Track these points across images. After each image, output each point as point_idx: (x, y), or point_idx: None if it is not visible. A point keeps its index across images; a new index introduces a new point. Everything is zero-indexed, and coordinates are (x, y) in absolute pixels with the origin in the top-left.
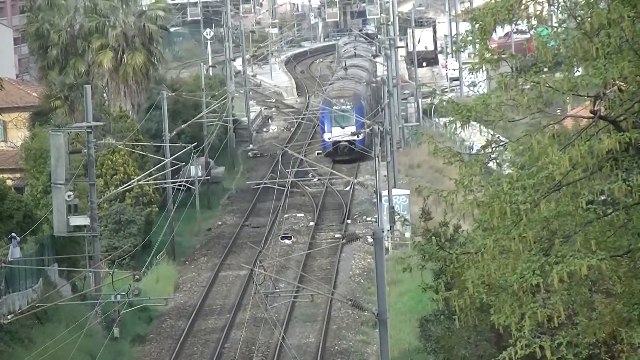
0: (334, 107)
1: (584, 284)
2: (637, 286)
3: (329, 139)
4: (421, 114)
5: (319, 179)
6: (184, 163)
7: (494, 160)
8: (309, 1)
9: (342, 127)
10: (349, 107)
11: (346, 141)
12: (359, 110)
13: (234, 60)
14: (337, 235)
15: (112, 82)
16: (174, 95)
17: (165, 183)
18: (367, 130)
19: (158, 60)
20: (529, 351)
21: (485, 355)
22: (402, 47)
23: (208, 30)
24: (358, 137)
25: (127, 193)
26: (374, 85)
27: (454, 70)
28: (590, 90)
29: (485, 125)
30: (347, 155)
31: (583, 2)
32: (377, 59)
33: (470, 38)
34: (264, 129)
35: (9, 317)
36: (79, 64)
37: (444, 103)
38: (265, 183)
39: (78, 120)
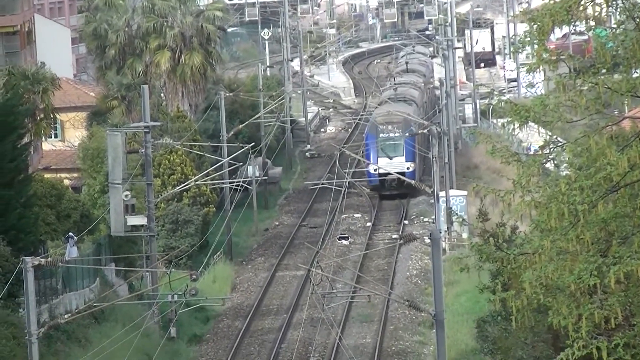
0: (381, 135)
1: None
2: None
3: (375, 171)
4: (479, 115)
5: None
6: (241, 163)
7: (552, 161)
8: (367, 2)
9: (390, 158)
10: (398, 134)
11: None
12: (409, 138)
13: (291, 60)
14: (394, 236)
15: (170, 82)
16: (231, 95)
17: (223, 183)
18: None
19: (216, 60)
20: (586, 352)
21: (542, 357)
22: (459, 48)
23: (266, 30)
24: (408, 169)
25: (185, 193)
26: (426, 103)
27: (512, 71)
28: None
29: (543, 126)
30: (395, 189)
31: None
32: (434, 60)
33: (528, 39)
34: (322, 130)
35: (66, 316)
36: (137, 64)
37: (502, 104)
38: (322, 183)
39: (135, 120)
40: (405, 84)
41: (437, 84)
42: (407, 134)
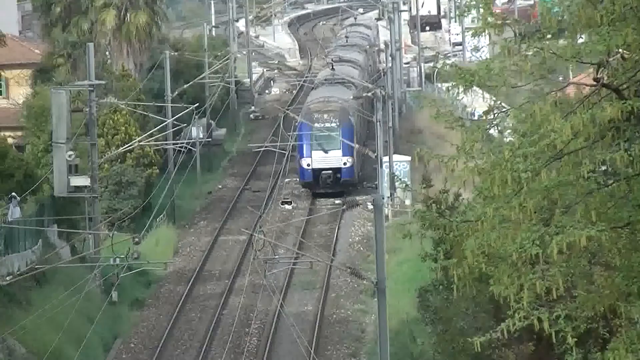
0: (316, 125)
1: (583, 256)
2: (636, 259)
3: (308, 165)
4: (424, 79)
5: None
6: (185, 124)
7: (496, 127)
8: None
9: (326, 152)
10: (334, 125)
11: (330, 169)
12: (347, 129)
13: (237, 21)
14: (337, 202)
15: (115, 41)
16: (176, 55)
17: (167, 144)
18: (360, 151)
19: (161, 19)
20: (527, 323)
21: (483, 327)
22: (405, 11)
23: None
24: (345, 165)
25: (128, 154)
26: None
27: (457, 35)
28: (593, 58)
29: (488, 91)
30: (330, 187)
31: None
32: (380, 23)
33: (474, 2)
34: (266, 91)
35: (7, 278)
36: (82, 22)
37: (447, 67)
38: (266, 146)
39: (80, 79)
40: (344, 62)
41: (382, 46)
42: (352, 98)
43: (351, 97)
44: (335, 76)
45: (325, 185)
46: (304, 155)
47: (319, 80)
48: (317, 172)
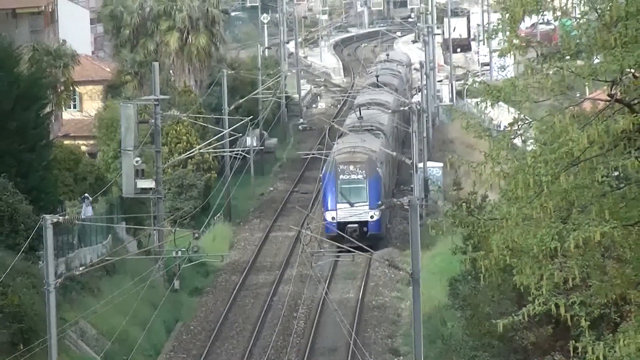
0: (341, 177)
1: (597, 250)
2: None
3: (333, 219)
4: (455, 95)
5: None
6: (240, 134)
7: (520, 137)
8: None
9: (351, 204)
10: (360, 177)
11: (356, 223)
12: (374, 181)
13: (287, 42)
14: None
15: (178, 60)
16: (233, 73)
17: (224, 152)
18: (384, 207)
19: (219, 41)
20: (546, 308)
21: (507, 312)
22: (438, 34)
23: (265, 15)
24: (372, 218)
25: (189, 160)
26: (396, 128)
27: (485, 55)
28: (607, 76)
29: (513, 105)
30: (356, 241)
31: None
32: (415, 45)
33: (500, 26)
34: (313, 105)
35: (80, 269)
36: (149, 43)
37: (476, 84)
38: (313, 154)
39: (146, 94)
40: (373, 106)
41: (417, 66)
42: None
43: (379, 146)
44: (363, 124)
45: (351, 239)
46: (329, 208)
47: (346, 128)
48: (342, 225)
